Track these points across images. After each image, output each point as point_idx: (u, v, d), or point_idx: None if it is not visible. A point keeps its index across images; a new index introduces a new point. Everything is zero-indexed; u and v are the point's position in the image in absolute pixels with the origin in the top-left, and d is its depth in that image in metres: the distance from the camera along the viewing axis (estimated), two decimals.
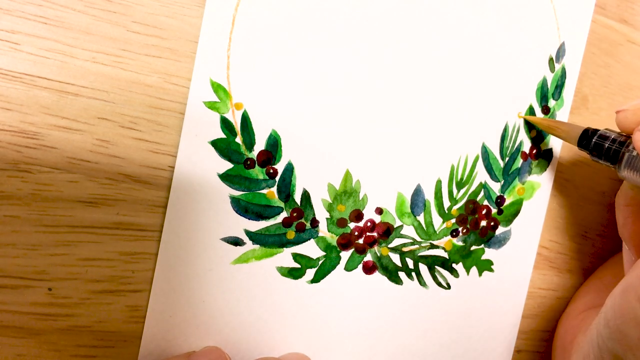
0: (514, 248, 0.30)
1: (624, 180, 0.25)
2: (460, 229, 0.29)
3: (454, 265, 0.29)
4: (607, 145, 0.24)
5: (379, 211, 0.27)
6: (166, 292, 0.24)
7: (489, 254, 0.30)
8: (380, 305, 0.28)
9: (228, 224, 0.24)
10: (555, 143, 0.31)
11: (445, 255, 0.29)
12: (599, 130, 0.26)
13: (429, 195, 0.28)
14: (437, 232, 0.28)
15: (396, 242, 0.28)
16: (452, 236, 0.29)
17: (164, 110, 0.23)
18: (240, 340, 0.25)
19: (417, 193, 0.28)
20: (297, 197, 0.25)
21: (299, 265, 0.26)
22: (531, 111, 0.30)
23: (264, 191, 0.25)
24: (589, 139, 0.25)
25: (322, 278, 0.26)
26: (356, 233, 0.27)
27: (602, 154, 0.25)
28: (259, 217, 0.25)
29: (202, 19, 0.23)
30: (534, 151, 0.30)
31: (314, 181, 0.26)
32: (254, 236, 0.25)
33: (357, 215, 0.27)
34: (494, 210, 0.30)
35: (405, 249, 0.28)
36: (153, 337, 0.24)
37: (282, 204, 0.25)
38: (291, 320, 0.26)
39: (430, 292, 0.29)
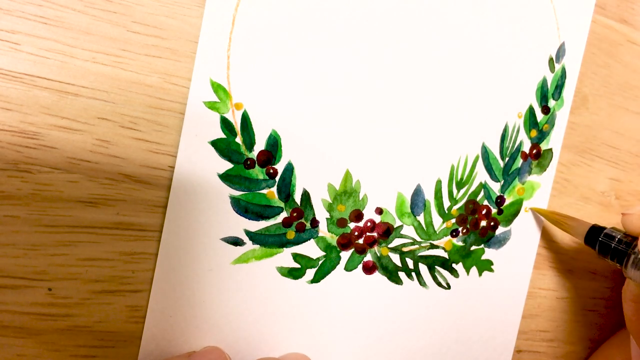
0: (514, 248, 0.30)
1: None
2: (460, 229, 0.29)
3: (454, 265, 0.29)
4: (613, 245, 0.25)
5: (379, 211, 0.27)
6: (166, 292, 0.24)
7: (489, 254, 0.30)
8: (380, 305, 0.28)
9: (228, 224, 0.24)
10: (555, 143, 0.31)
11: (445, 255, 0.29)
12: (605, 228, 0.26)
13: (429, 195, 0.28)
14: (437, 232, 0.28)
15: (396, 242, 0.28)
16: (452, 236, 0.29)
17: (164, 110, 0.23)
18: (240, 340, 0.25)
19: (417, 193, 0.28)
20: (297, 197, 0.25)
21: (299, 265, 0.26)
22: (531, 111, 0.30)
23: (264, 191, 0.25)
24: (595, 237, 0.26)
25: (322, 278, 0.26)
26: (356, 233, 0.27)
27: (608, 253, 0.26)
28: (259, 217, 0.25)
29: (202, 19, 0.23)
30: (534, 151, 0.30)
31: (314, 181, 0.26)
32: (254, 236, 0.25)
33: (357, 215, 0.27)
34: (494, 210, 0.30)
35: (405, 249, 0.28)
36: (153, 337, 0.24)
37: (282, 204, 0.25)
38: (291, 320, 0.26)
39: (430, 292, 0.29)
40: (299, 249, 0.26)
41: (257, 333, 0.25)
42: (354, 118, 0.26)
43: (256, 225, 0.25)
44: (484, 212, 0.29)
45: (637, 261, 0.24)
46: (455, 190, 0.29)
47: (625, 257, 0.24)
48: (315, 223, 0.26)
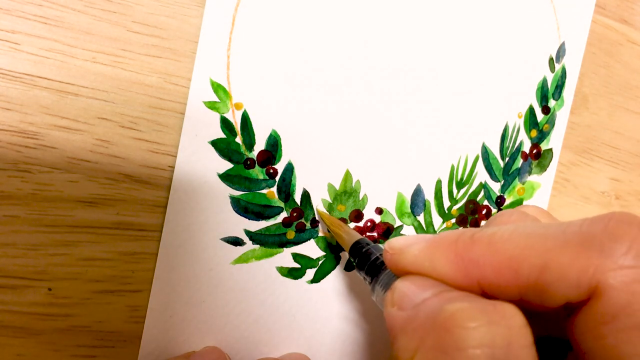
0: None
1: None
2: (460, 229, 0.29)
3: None
4: (370, 260, 0.22)
5: (379, 211, 0.27)
6: (166, 292, 0.24)
7: None
8: (381, 305, 0.28)
9: (228, 224, 0.24)
10: (555, 143, 0.31)
11: None
12: (370, 245, 0.23)
13: (429, 195, 0.28)
14: (437, 232, 0.28)
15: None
16: None
17: (164, 110, 0.23)
18: (240, 340, 0.25)
19: (417, 193, 0.28)
20: (297, 197, 0.25)
21: (299, 265, 0.26)
22: (531, 111, 0.30)
23: (264, 191, 0.25)
24: (358, 251, 0.23)
25: (322, 278, 0.26)
26: None
27: (363, 268, 0.22)
28: (259, 217, 0.25)
29: (202, 19, 0.23)
30: (534, 151, 0.30)
31: (314, 181, 0.26)
32: (254, 236, 0.25)
33: (357, 215, 0.27)
34: (494, 211, 0.30)
35: None
36: (153, 337, 0.24)
37: (282, 204, 0.25)
38: (291, 320, 0.26)
39: None
40: (299, 249, 0.26)
41: (257, 333, 0.25)
42: (354, 118, 0.26)
43: (256, 225, 0.25)
44: (484, 212, 0.29)
45: (384, 281, 0.21)
46: (455, 190, 0.29)
47: (377, 274, 0.21)
48: (315, 223, 0.26)
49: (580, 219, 0.16)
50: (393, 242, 0.19)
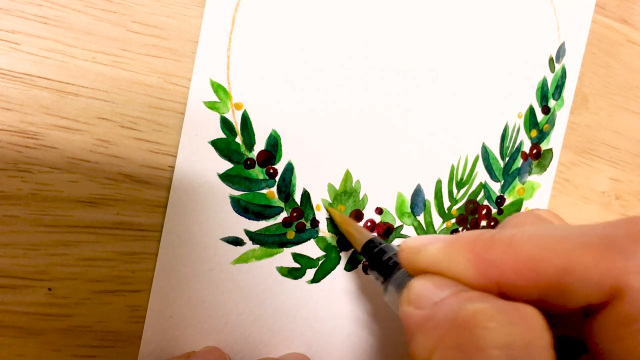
0: None
1: None
2: (460, 229, 0.29)
3: None
4: (383, 259, 0.22)
5: (379, 211, 0.27)
6: (166, 292, 0.24)
7: None
8: (380, 304, 0.28)
9: (228, 224, 0.24)
10: (555, 143, 0.31)
11: None
12: (382, 243, 0.23)
13: (429, 195, 0.28)
14: (437, 232, 0.28)
15: (396, 242, 0.28)
16: None
17: (164, 110, 0.23)
18: (240, 340, 0.25)
19: (417, 193, 0.28)
20: (297, 197, 0.25)
21: (299, 265, 0.26)
22: (531, 111, 0.30)
23: (264, 191, 0.25)
24: (371, 250, 0.23)
25: (322, 278, 0.26)
26: None
27: (375, 268, 0.22)
28: (259, 217, 0.25)
29: (202, 19, 0.23)
30: (534, 151, 0.30)
31: (314, 181, 0.26)
32: (254, 236, 0.25)
33: (357, 215, 0.27)
34: (494, 210, 0.30)
35: None
36: (153, 337, 0.24)
37: (282, 204, 0.25)
38: (291, 320, 0.26)
39: None
40: (299, 248, 0.26)
41: (257, 333, 0.25)
42: (354, 118, 0.26)
43: (256, 225, 0.25)
44: (484, 212, 0.29)
45: (398, 281, 0.20)
46: (455, 190, 0.29)
47: (390, 274, 0.21)
48: (315, 223, 0.26)
49: (602, 222, 0.16)
50: (409, 242, 0.19)
